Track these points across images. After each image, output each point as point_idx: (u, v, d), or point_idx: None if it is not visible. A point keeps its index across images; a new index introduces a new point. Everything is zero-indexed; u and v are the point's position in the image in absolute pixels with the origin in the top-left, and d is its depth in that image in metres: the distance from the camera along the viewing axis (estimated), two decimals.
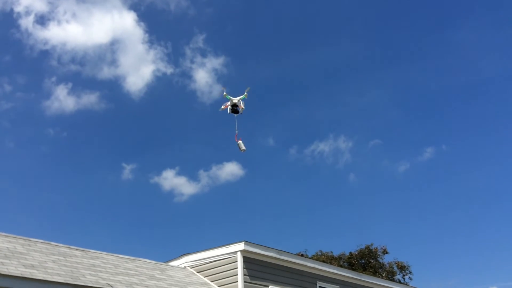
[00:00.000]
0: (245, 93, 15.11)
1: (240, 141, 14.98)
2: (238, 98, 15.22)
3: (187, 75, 40.98)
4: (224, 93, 15.21)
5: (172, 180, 40.37)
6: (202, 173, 40.47)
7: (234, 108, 15.09)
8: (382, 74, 43.45)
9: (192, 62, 40.51)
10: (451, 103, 42.52)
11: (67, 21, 38.11)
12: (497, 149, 41.26)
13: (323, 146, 40.98)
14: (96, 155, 42.13)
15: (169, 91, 42.10)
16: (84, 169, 41.51)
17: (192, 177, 42.49)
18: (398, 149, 43.33)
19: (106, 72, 39.37)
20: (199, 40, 40.92)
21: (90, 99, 38.96)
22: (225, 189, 41.66)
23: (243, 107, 15.00)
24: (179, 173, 40.79)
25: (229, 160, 42.13)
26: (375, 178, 42.81)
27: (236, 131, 14.80)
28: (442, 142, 41.85)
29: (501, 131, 40.54)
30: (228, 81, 40.83)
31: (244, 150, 14.84)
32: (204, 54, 41.14)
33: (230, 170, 40.47)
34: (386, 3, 43.07)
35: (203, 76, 40.13)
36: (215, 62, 40.17)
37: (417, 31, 42.89)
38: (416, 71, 42.80)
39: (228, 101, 14.97)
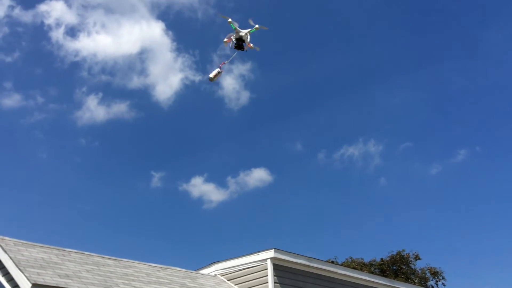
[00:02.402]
0: (256, 26, 12.09)
1: (218, 70, 12.53)
2: (246, 31, 12.38)
3: (215, 82, 41.34)
4: (229, 19, 12.24)
5: (200, 187, 40.75)
6: (230, 180, 40.71)
7: (239, 43, 12.49)
8: (411, 75, 43.00)
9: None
10: (483, 103, 41.77)
11: (97, 32, 39.03)
12: None
13: (353, 150, 40.77)
14: (126, 164, 42.88)
15: (197, 98, 42.61)
16: (114, 178, 42.28)
17: (221, 183, 42.79)
18: (430, 151, 42.73)
19: (135, 82, 40.13)
20: (226, 47, 41.22)
21: (120, 108, 39.75)
22: (253, 196, 41.81)
23: (251, 44, 12.34)
24: (207, 180, 41.14)
25: (257, 166, 42.26)
26: (406, 181, 42.31)
27: (225, 62, 12.52)
28: (476, 143, 41.10)
29: None
30: (255, 86, 41.04)
31: (211, 78, 12.67)
32: (231, 61, 41.45)
33: (259, 176, 40.63)
34: (412, 4, 42.59)
35: (231, 82, 40.47)
36: (242, 68, 40.42)
37: (447, 31, 42.29)
38: (446, 71, 42.19)
39: (233, 32, 12.28)
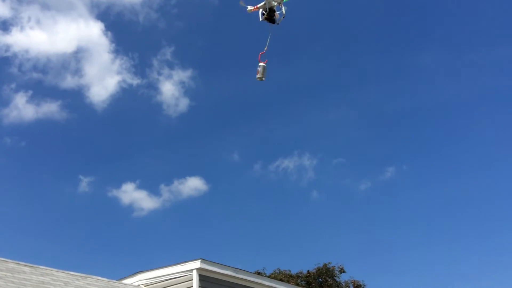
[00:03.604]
0: None
1: (262, 64, 11.27)
2: None
3: (153, 87, 40.72)
4: None
5: (131, 194, 39.75)
6: (163, 188, 40.02)
7: (271, 14, 10.78)
8: (345, 94, 44.34)
9: (159, 74, 40.28)
10: (411, 124, 43.70)
11: (31, 28, 37.35)
12: (454, 169, 42.53)
13: (288, 163, 41.30)
14: (54, 166, 41.14)
15: (134, 102, 41.72)
16: (40, 180, 40.41)
17: (153, 191, 41.93)
18: (360, 168, 44.12)
19: (69, 81, 38.68)
20: (167, 52, 40.78)
21: (50, 108, 38.14)
22: (187, 205, 41.28)
23: (284, 13, 10.73)
24: (139, 187, 40.22)
25: (192, 174, 41.87)
26: (337, 196, 43.36)
27: (266, 48, 11.04)
28: (403, 162, 42.85)
29: (458, 152, 41.86)
30: (195, 94, 40.77)
31: (260, 78, 11.28)
32: (171, 66, 40.98)
33: (193, 185, 40.19)
34: (349, 25, 44.07)
35: (170, 88, 39.97)
36: (182, 75, 40.07)
37: (380, 53, 44.04)
38: (378, 92, 43.84)
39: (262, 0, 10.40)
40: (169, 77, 40.87)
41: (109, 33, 39.34)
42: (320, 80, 45.24)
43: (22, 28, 37.07)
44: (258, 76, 11.41)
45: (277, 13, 10.78)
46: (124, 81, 39.26)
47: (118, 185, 41.59)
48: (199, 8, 42.36)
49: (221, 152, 42.67)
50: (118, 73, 39.45)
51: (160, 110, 41.03)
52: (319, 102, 45.00)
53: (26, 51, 37.09)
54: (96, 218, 41.31)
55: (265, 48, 11.08)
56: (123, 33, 41.83)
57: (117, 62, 39.46)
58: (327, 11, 42.90)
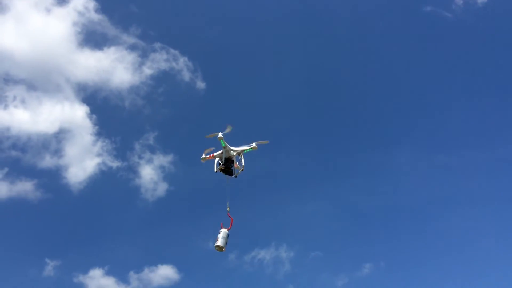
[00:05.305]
0: (253, 145, 7.93)
1: (224, 230, 9.47)
2: (241, 148, 8.25)
3: (132, 170, 40.46)
4: (220, 134, 8.07)
5: (99, 280, 37.92)
6: (132, 275, 38.31)
7: (227, 165, 8.54)
8: (324, 187, 44.88)
9: (140, 157, 40.24)
10: (388, 221, 44.08)
11: (15, 107, 37.32)
12: (432, 266, 42.44)
13: (264, 254, 40.53)
14: (21, 247, 39.21)
15: (111, 185, 41.13)
16: (4, 260, 38.24)
17: (122, 278, 40.12)
18: (337, 263, 43.60)
19: (47, 161, 38.16)
20: (150, 137, 41.08)
21: (25, 187, 37.17)
22: None
23: (243, 165, 8.52)
24: (107, 273, 38.43)
25: (164, 262, 40.43)
26: None
27: (228, 208, 9.25)
28: (380, 258, 42.64)
29: (435, 249, 42.02)
30: (174, 179, 40.46)
31: (219, 247, 9.37)
32: (153, 151, 41.09)
33: (165, 273, 38.70)
34: (329, 122, 45.64)
35: (149, 172, 39.74)
36: (163, 159, 40.09)
37: (359, 151, 45.38)
38: (356, 188, 44.57)
39: (219, 148, 8.19)
40: (150, 161, 40.92)
41: (94, 116, 39.71)
42: (299, 173, 45.87)
43: (6, 107, 37.12)
44: (217, 244, 9.83)
45: (236, 163, 9.27)
46: (103, 163, 39.06)
47: (85, 271, 39.76)
48: (186, 97, 43.52)
49: (196, 240, 41.74)
50: (99, 155, 39.34)
51: (137, 193, 40.57)
52: (297, 195, 45.31)
53: (7, 129, 36.86)
54: None
55: (228, 209, 9.87)
56: (108, 116, 42.36)
57: (99, 144, 39.51)
58: (309, 107, 44.63)
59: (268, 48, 47.13)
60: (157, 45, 46.25)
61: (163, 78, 42.84)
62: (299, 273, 41.93)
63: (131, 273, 38.32)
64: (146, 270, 39.19)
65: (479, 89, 49.21)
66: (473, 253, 40.98)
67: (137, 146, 41.14)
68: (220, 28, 48.08)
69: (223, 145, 8.95)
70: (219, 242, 10.27)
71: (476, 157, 41.39)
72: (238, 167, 9.57)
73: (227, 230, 10.28)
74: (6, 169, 36.64)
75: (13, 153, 37.58)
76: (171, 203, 41.88)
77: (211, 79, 43.80)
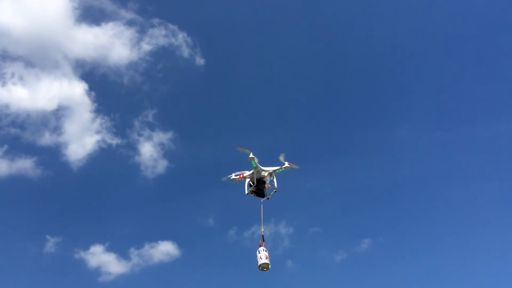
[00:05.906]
0: (286, 165, 8.33)
1: (262, 252, 8.93)
2: (273, 168, 8.47)
3: (132, 147, 40.55)
4: (251, 154, 8.41)
5: (100, 256, 38.38)
6: (133, 251, 38.70)
7: (259, 187, 8.47)
8: (323, 163, 45.01)
9: (139, 134, 40.30)
10: (387, 196, 44.39)
11: (13, 84, 37.16)
12: (429, 241, 42.93)
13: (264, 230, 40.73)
14: (21, 224, 39.53)
15: (111, 162, 41.28)
16: (5, 237, 38.60)
17: (122, 254, 40.60)
18: (336, 238, 44.10)
19: (47, 138, 38.21)
20: (149, 114, 41.04)
21: (25, 164, 37.28)
22: (157, 270, 39.92)
23: (276, 186, 8.68)
24: (108, 250, 38.90)
25: (164, 238, 40.85)
26: (312, 266, 42.79)
27: (263, 230, 8.69)
28: (379, 234, 43.10)
29: (433, 225, 42.44)
30: (174, 156, 40.57)
31: (263, 266, 8.98)
32: (152, 128, 41.10)
33: (165, 249, 39.14)
34: (330, 98, 45.54)
35: (149, 149, 39.84)
36: (162, 136, 40.14)
37: (357, 126, 45.38)
38: (355, 164, 44.73)
39: (251, 169, 8.40)
40: (149, 138, 41.01)
41: (92, 93, 39.61)
42: (297, 149, 45.95)
43: (4, 84, 36.98)
44: (262, 262, 9.37)
45: (267, 184, 8.78)
46: (103, 140, 39.12)
47: (86, 247, 40.25)
48: (185, 73, 43.30)
49: (196, 216, 42.08)
50: (98, 132, 39.38)
51: (137, 171, 40.73)
52: (297, 171, 45.39)
53: (6, 106, 36.78)
54: (61, 281, 39.44)
55: (262, 230, 9.29)
56: (107, 93, 42.23)
57: (98, 121, 39.51)
58: (309, 83, 44.43)
59: (269, 23, 46.86)
60: (156, 20, 45.99)
61: (162, 54, 42.70)
62: (298, 249, 42.45)
63: (132, 249, 38.76)
64: (146, 246, 39.73)
65: (479, 64, 49.04)
66: (471, 229, 41.45)
67: (136, 123, 41.23)
68: (219, 3, 47.72)
69: (254, 165, 8.56)
70: (264, 261, 9.74)
71: (474, 133, 41.47)
72: (269, 187, 8.86)
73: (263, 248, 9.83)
74: (6, 147, 36.75)
75: (13, 130, 37.72)
76: (171, 180, 42.16)
77: (211, 55, 43.57)
